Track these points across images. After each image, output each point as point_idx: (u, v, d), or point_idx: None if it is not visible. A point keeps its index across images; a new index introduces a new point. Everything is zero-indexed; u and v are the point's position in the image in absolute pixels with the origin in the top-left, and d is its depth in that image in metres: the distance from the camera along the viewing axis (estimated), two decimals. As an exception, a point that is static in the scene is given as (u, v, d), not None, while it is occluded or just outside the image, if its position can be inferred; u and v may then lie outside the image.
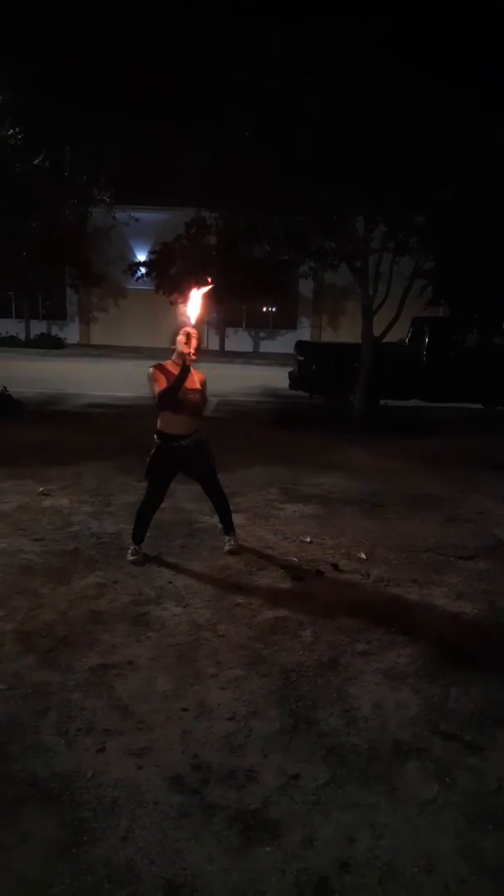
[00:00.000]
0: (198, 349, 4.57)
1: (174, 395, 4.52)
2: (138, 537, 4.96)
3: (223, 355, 24.83)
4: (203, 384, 4.77)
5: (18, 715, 3.06)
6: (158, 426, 4.72)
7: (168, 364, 4.67)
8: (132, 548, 4.94)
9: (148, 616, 4.05)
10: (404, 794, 2.67)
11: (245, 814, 2.52)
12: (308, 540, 5.49)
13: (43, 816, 2.48)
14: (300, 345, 14.10)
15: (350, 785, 2.70)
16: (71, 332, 27.72)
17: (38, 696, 3.21)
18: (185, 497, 6.44)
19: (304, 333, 26.47)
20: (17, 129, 10.99)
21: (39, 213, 12.13)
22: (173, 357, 4.67)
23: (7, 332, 25.66)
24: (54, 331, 27.13)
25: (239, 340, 27.24)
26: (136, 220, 22.29)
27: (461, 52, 8.75)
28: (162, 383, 4.55)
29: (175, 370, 4.55)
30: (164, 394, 4.52)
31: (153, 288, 23.47)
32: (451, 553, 5.33)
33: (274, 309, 27.51)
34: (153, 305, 24.80)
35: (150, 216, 23.99)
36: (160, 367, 4.64)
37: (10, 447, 8.31)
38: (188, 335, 4.54)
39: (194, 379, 4.66)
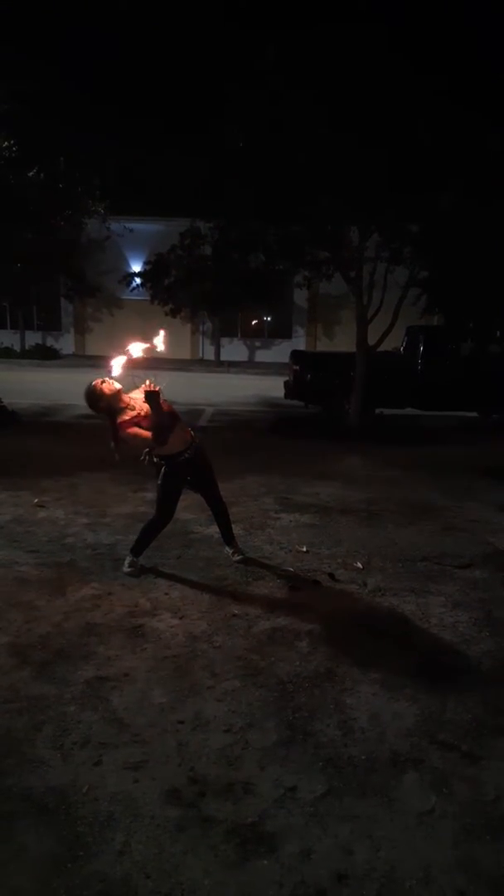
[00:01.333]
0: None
1: (165, 424, 4.44)
2: (139, 551, 4.92)
3: (218, 365, 24.87)
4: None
5: (13, 728, 3.04)
6: (156, 452, 4.63)
7: (126, 415, 4.48)
8: (130, 559, 4.91)
9: (143, 628, 4.04)
10: (402, 805, 2.66)
11: (242, 827, 2.51)
12: (304, 549, 5.48)
13: (38, 831, 2.46)
14: (295, 354, 14.14)
15: (347, 796, 2.69)
16: (66, 343, 27.74)
17: (33, 709, 3.19)
18: (180, 508, 6.42)
19: (300, 343, 26.52)
20: (11, 141, 11.03)
21: (34, 224, 12.17)
22: (118, 405, 4.50)
23: (2, 343, 25.67)
24: (49, 341, 27.14)
25: (234, 350, 27.29)
26: (131, 230, 22.35)
27: (454, 60, 8.82)
28: (142, 432, 4.43)
29: (135, 408, 4.47)
30: (158, 431, 4.40)
31: (148, 298, 23.52)
32: (447, 562, 5.33)
33: (269, 318, 27.59)
34: (148, 316, 24.81)
35: (144, 227, 24.08)
36: (129, 423, 4.45)
37: (5, 458, 8.29)
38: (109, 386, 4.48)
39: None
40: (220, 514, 5.13)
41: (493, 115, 8.98)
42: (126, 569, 4.86)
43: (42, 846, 2.39)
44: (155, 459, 4.69)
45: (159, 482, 4.77)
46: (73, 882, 2.24)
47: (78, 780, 2.72)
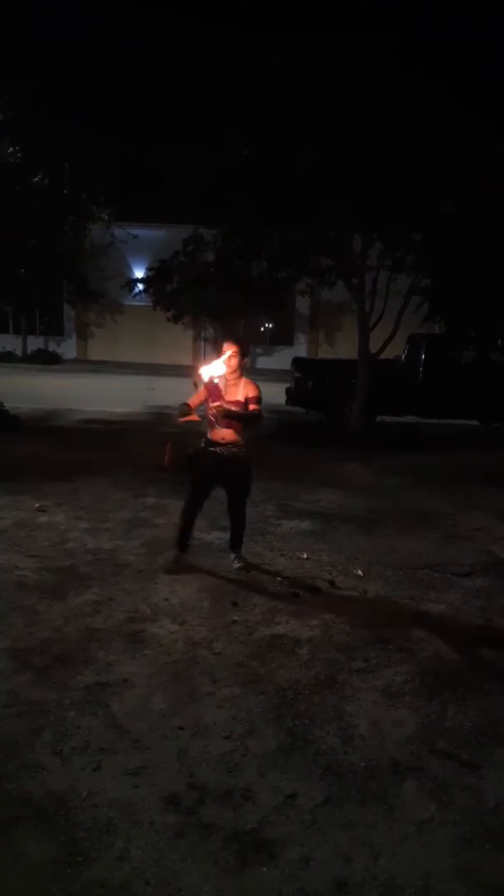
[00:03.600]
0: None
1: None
2: (179, 543, 5.12)
3: (220, 371, 24.89)
4: (249, 399, 4.83)
5: (13, 733, 3.04)
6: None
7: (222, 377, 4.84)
8: (174, 553, 5.12)
9: (144, 633, 4.04)
10: (401, 813, 2.65)
11: (241, 834, 2.51)
12: (305, 556, 5.48)
13: (37, 836, 2.45)
14: (297, 361, 14.15)
15: (347, 804, 2.68)
16: (68, 348, 27.77)
17: (33, 714, 3.19)
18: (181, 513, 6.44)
19: (301, 350, 26.58)
20: (16, 147, 11.09)
21: (38, 229, 12.21)
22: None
23: (4, 348, 25.70)
24: (51, 346, 27.16)
25: (236, 356, 27.30)
26: (135, 236, 22.41)
27: (463, 67, 8.86)
28: (201, 394, 4.88)
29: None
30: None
31: (150, 304, 23.59)
32: (448, 570, 5.32)
33: (271, 325, 27.63)
34: (150, 322, 24.89)
35: (147, 233, 24.13)
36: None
37: (6, 463, 8.29)
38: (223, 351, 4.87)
39: (234, 393, 4.83)
40: (235, 525, 5.19)
41: (499, 123, 9.02)
42: (168, 563, 5.09)
43: (41, 851, 2.39)
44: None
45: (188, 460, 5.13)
46: (72, 888, 2.24)
47: (77, 785, 2.72)
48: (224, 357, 4.80)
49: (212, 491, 5.10)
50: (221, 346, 4.94)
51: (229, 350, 4.82)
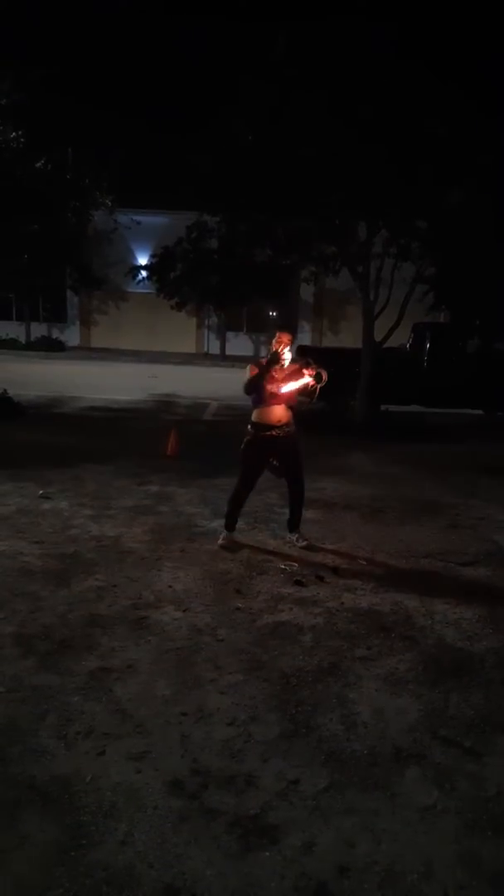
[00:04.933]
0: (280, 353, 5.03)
1: (254, 383, 4.98)
2: (229, 524, 5.35)
3: (224, 359, 24.86)
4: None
5: (17, 718, 3.05)
6: (252, 418, 5.15)
7: (262, 360, 5.10)
8: (224, 534, 5.32)
9: (147, 620, 4.05)
10: (404, 799, 2.67)
11: (244, 819, 2.52)
12: (307, 544, 5.48)
13: (42, 819, 2.47)
14: (301, 349, 14.10)
15: (349, 790, 2.70)
16: (71, 335, 27.70)
17: (37, 699, 3.21)
18: (184, 501, 6.45)
19: (305, 338, 26.46)
20: (19, 132, 11.03)
21: (41, 215, 12.16)
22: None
23: (7, 335, 25.64)
24: (55, 333, 27.10)
25: (240, 344, 27.22)
26: (138, 223, 22.32)
27: (466, 57, 8.78)
28: (252, 374, 5.04)
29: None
30: (248, 382, 5.01)
31: (154, 291, 23.51)
32: (451, 559, 5.33)
33: (275, 313, 27.52)
34: (154, 309, 24.83)
35: (151, 219, 24.01)
36: (257, 363, 5.12)
37: (10, 450, 8.30)
38: (279, 339, 5.06)
39: (292, 374, 5.04)
40: (296, 500, 5.43)
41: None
42: (220, 542, 5.28)
43: (45, 834, 2.40)
44: (248, 426, 5.17)
45: (241, 448, 5.19)
46: (75, 870, 2.26)
47: (81, 769, 2.74)
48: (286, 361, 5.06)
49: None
50: (277, 334, 5.14)
51: (287, 340, 5.09)
